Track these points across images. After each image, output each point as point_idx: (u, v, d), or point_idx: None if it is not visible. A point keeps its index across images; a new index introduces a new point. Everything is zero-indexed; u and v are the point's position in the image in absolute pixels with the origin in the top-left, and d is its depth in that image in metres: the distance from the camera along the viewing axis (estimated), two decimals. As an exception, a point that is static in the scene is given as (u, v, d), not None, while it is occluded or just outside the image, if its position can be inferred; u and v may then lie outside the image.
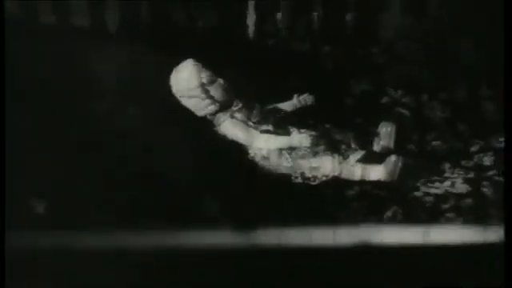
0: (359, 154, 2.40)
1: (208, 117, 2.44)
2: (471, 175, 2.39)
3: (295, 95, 2.52)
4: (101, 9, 2.78)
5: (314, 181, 2.38)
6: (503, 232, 1.82)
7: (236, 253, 1.65)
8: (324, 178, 2.38)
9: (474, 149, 2.49)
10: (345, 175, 2.38)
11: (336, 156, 2.39)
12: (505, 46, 2.09)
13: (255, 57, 2.79)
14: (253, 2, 2.80)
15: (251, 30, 2.84)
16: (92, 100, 2.49)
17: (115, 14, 2.79)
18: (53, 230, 1.85)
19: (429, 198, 2.29)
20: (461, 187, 2.34)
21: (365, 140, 2.47)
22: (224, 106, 2.42)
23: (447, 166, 2.43)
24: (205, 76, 2.41)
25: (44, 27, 2.78)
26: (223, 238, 1.65)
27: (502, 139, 2.48)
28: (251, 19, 2.85)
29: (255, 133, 2.41)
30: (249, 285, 1.69)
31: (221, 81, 2.42)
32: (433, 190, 2.33)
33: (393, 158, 2.37)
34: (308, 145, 2.38)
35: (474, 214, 2.20)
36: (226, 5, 2.83)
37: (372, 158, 2.40)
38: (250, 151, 2.42)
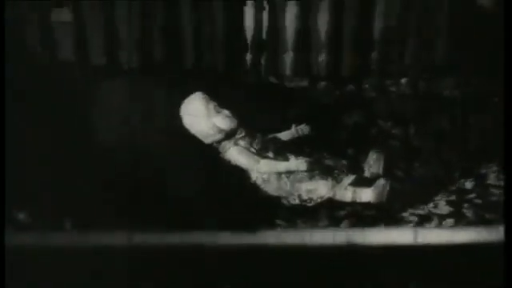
0: (351, 178, 2.64)
1: (214, 144, 2.69)
2: (453, 198, 2.63)
3: (293, 125, 2.77)
4: (117, 48, 3.04)
5: (310, 202, 2.62)
6: (503, 232, 1.89)
7: (234, 253, 1.78)
8: (319, 200, 2.62)
9: (456, 174, 2.72)
10: (338, 197, 2.62)
11: (330, 180, 2.63)
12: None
13: (257, 91, 3.05)
14: (251, 42, 3.08)
15: (252, 67, 3.11)
16: (105, 130, 2.71)
17: (131, 54, 3.05)
18: (53, 230, 1.92)
19: (413, 218, 2.52)
20: (443, 208, 2.57)
21: (356, 167, 2.71)
22: (229, 135, 2.67)
23: (432, 189, 2.67)
24: (212, 107, 2.67)
25: (63, 64, 3.06)
26: (222, 239, 1.79)
27: (483, 165, 2.74)
28: (250, 58, 3.13)
29: (257, 158, 2.66)
30: (245, 283, 1.82)
31: (226, 112, 2.68)
32: (417, 211, 2.56)
33: (381, 181, 2.61)
34: (304, 169, 2.62)
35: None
36: (229, 46, 3.10)
37: (362, 181, 2.63)
38: (252, 175, 2.67)
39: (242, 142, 2.68)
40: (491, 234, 2.01)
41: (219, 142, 2.68)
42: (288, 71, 3.11)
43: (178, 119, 2.67)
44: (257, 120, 2.75)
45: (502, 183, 2.66)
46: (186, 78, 2.96)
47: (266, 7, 3.02)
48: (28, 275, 1.87)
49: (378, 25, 3.07)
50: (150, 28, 3.02)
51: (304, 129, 2.79)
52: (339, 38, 3.09)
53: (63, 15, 3.10)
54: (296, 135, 2.78)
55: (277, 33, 3.08)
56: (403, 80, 3.08)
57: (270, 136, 2.76)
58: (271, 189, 2.64)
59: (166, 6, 3.00)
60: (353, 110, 2.94)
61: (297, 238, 1.88)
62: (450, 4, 3.18)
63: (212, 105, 2.67)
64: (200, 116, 2.66)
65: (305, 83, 3.10)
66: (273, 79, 3.13)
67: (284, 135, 2.78)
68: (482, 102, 3.01)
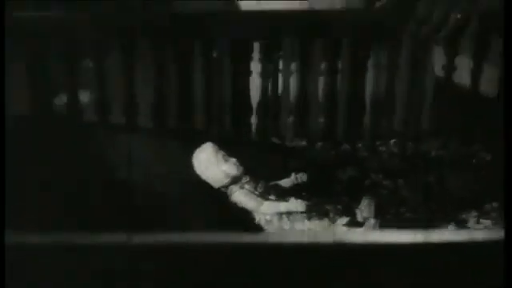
0: (345, 219, 2.94)
1: (222, 188, 3.01)
2: (436, 238, 2.92)
3: (293, 173, 3.11)
4: (134, 109, 3.41)
5: (308, 240, 2.91)
6: (503, 232, 1.89)
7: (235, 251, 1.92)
8: (316, 239, 2.91)
9: (439, 219, 3.03)
10: (333, 236, 2.91)
11: (326, 220, 2.93)
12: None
13: (261, 149, 3.40)
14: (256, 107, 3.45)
15: (256, 129, 3.48)
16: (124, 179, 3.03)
17: (146, 114, 3.41)
18: (53, 229, 1.90)
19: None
20: (428, 247, 2.86)
21: (349, 211, 3.02)
22: (235, 180, 3.00)
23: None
24: (220, 156, 3.01)
25: (86, 124, 3.42)
26: (222, 238, 1.91)
27: (464, 211, 3.05)
28: (255, 121, 3.49)
29: (260, 201, 2.97)
30: (245, 282, 1.96)
31: (233, 159, 3.01)
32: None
33: (372, 221, 2.91)
34: (303, 210, 2.93)
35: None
36: (236, 110, 3.47)
37: (355, 223, 2.94)
38: (256, 217, 2.97)
39: (247, 186, 3.00)
40: (491, 234, 2.06)
41: (227, 186, 3.00)
42: (289, 133, 3.46)
43: (191, 167, 3.00)
44: (261, 169, 3.07)
45: (480, 227, 2.96)
46: (198, 135, 3.29)
47: (271, 76, 3.39)
48: (28, 274, 1.86)
49: (368, 92, 3.43)
50: (165, 92, 3.38)
51: (302, 177, 3.11)
52: (334, 104, 3.44)
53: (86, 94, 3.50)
54: (295, 182, 3.10)
55: (279, 99, 3.44)
56: (392, 141, 3.42)
57: (272, 183, 3.08)
58: (273, 229, 2.94)
59: (179, 74, 3.37)
60: (347, 166, 3.27)
61: (296, 236, 2.12)
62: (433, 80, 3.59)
63: (220, 154, 3.01)
64: (210, 163, 2.99)
65: (304, 143, 3.44)
66: (275, 139, 3.47)
67: (284, 182, 3.10)
68: (465, 160, 3.34)
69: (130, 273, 1.91)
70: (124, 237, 1.89)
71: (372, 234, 2.34)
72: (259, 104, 3.45)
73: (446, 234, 2.11)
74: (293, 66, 3.45)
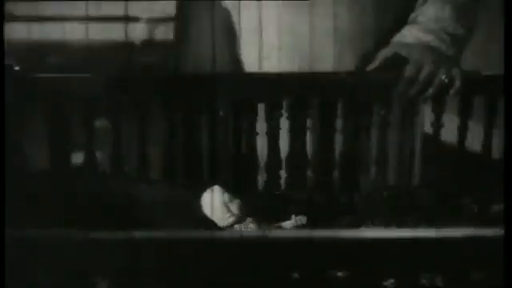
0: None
1: (228, 228, 3.23)
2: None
3: (293, 216, 3.33)
4: (144, 158, 3.67)
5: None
6: (503, 230, 1.95)
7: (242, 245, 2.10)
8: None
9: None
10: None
11: (324, 256, 3.14)
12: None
13: (264, 198, 3.64)
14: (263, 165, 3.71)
15: (260, 182, 3.72)
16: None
17: (157, 168, 3.67)
18: (53, 227, 1.99)
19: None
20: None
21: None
22: (240, 219, 3.22)
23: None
24: (226, 197, 3.25)
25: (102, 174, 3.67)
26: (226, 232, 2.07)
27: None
28: (262, 177, 3.74)
29: (263, 238, 3.19)
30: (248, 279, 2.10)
31: (237, 200, 3.26)
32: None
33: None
34: (303, 246, 3.14)
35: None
36: (239, 166, 3.73)
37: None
38: (259, 253, 3.18)
39: (251, 225, 3.22)
40: (490, 231, 2.12)
41: (232, 225, 3.23)
42: (289, 186, 3.70)
43: (199, 208, 3.24)
44: (263, 213, 3.30)
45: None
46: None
47: (274, 134, 3.66)
48: (28, 272, 1.90)
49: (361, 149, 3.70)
50: (173, 149, 3.65)
51: (302, 219, 3.34)
52: (329, 161, 3.71)
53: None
54: (295, 224, 3.33)
55: (279, 156, 3.70)
56: (385, 193, 3.67)
57: (274, 225, 3.30)
58: (275, 265, 3.14)
59: (186, 133, 3.64)
60: (345, 215, 3.50)
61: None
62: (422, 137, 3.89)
63: (226, 195, 3.26)
64: (216, 203, 3.23)
65: (304, 195, 3.68)
66: (277, 192, 3.72)
67: (285, 224, 3.33)
68: (455, 212, 3.57)
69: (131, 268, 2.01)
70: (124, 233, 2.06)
71: (372, 231, 2.49)
72: (267, 162, 3.68)
73: (447, 232, 2.18)
74: (292, 124, 3.71)
